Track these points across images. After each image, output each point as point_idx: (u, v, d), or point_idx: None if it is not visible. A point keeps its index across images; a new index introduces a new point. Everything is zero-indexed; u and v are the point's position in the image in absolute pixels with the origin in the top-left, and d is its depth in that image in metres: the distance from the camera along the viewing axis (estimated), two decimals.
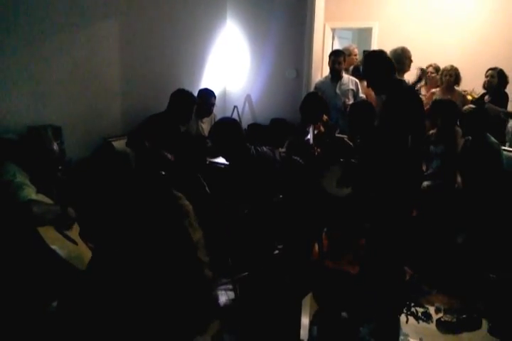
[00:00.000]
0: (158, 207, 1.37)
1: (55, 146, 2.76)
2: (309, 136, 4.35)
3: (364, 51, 7.63)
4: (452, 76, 5.10)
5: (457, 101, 4.86)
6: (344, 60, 5.03)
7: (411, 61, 5.06)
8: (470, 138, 4.13)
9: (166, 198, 1.39)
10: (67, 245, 2.45)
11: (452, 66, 5.11)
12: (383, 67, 3.42)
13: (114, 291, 1.27)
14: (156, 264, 1.26)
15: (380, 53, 3.52)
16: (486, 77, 4.93)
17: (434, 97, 5.09)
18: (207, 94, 4.65)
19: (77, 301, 1.34)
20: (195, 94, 4.47)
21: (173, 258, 1.27)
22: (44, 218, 2.36)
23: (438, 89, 5.23)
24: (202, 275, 1.30)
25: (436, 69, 5.38)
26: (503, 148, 4.20)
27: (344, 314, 3.23)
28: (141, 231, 1.31)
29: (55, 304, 2.33)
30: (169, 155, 3.95)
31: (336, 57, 4.93)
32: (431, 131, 4.37)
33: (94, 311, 1.27)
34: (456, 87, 5.16)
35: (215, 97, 4.71)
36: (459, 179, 4.09)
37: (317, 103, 4.36)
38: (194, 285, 1.28)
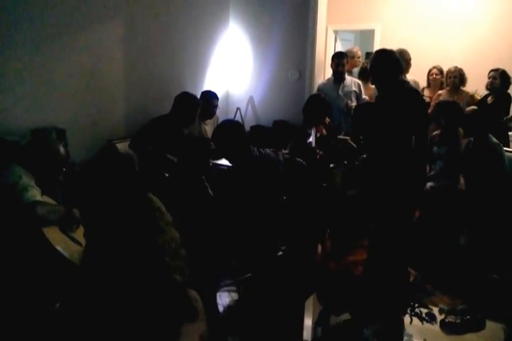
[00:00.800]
0: (125, 208, 1.37)
1: (61, 149, 2.77)
2: (311, 139, 4.36)
3: (367, 53, 7.66)
4: (457, 77, 5.10)
5: (464, 101, 4.86)
6: (347, 62, 5.04)
7: (409, 64, 5.10)
8: (472, 139, 4.14)
9: (135, 200, 1.39)
10: (71, 246, 2.46)
11: (456, 67, 5.12)
12: (391, 67, 3.42)
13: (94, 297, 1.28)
14: (122, 267, 1.26)
15: (391, 53, 3.51)
16: (489, 78, 4.93)
17: (440, 98, 5.10)
18: (210, 96, 4.66)
19: (79, 302, 1.34)
20: (198, 95, 4.48)
21: (137, 260, 1.27)
22: (48, 219, 2.37)
23: (444, 90, 5.24)
24: (169, 279, 1.29)
25: (440, 71, 5.39)
26: (505, 149, 4.20)
27: (348, 315, 3.23)
28: (110, 234, 1.31)
29: (58, 305, 2.34)
30: (173, 158, 3.96)
31: (339, 60, 4.94)
32: (435, 132, 4.37)
33: (87, 314, 1.28)
34: (462, 88, 5.17)
35: (217, 99, 4.72)
36: (461, 180, 4.09)
37: (320, 105, 4.37)
38: (161, 289, 1.27)
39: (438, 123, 4.28)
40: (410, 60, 5.13)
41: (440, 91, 5.28)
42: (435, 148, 4.28)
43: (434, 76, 5.43)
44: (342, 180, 4.19)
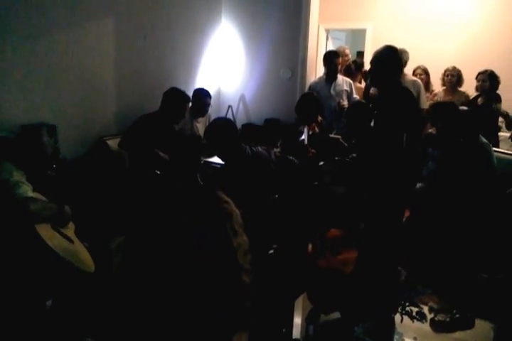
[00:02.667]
0: (198, 209, 1.36)
1: (49, 143, 2.75)
2: (304, 137, 4.37)
3: (358, 52, 7.67)
4: (454, 76, 5.12)
5: (459, 101, 4.88)
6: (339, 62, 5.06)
7: (406, 65, 5.09)
8: (461, 139, 4.15)
9: (208, 200, 1.38)
10: (63, 243, 2.44)
11: (454, 67, 5.13)
12: (395, 65, 3.40)
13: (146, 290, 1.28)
14: (191, 266, 1.25)
15: (398, 51, 3.47)
16: (478, 81, 4.94)
17: (436, 98, 5.12)
18: (202, 94, 4.63)
19: (73, 299, 1.33)
20: (190, 93, 4.46)
21: (210, 260, 1.26)
22: (41, 215, 2.35)
23: (440, 89, 5.26)
24: (238, 280, 1.29)
25: (425, 70, 5.38)
26: (495, 149, 4.22)
27: (338, 313, 3.24)
28: (179, 232, 1.31)
29: (50, 302, 2.32)
30: (163, 155, 3.94)
31: (333, 59, 4.95)
32: (430, 130, 4.33)
33: (100, 309, 1.27)
34: (459, 88, 5.19)
35: (210, 97, 4.68)
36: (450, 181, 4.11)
37: (313, 103, 4.38)
38: (227, 290, 1.26)
39: (434, 124, 4.24)
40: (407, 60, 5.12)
41: (436, 91, 5.30)
42: (429, 149, 4.25)
43: (418, 76, 5.41)
44: (331, 178, 4.19)
